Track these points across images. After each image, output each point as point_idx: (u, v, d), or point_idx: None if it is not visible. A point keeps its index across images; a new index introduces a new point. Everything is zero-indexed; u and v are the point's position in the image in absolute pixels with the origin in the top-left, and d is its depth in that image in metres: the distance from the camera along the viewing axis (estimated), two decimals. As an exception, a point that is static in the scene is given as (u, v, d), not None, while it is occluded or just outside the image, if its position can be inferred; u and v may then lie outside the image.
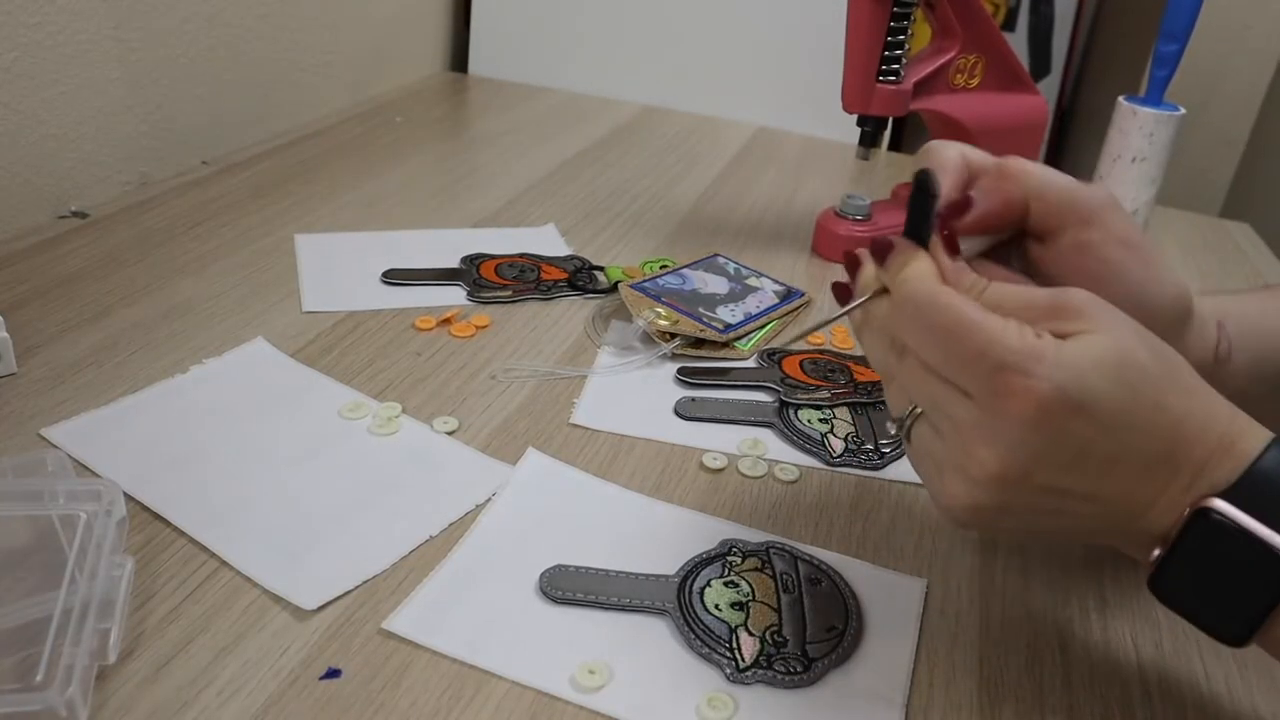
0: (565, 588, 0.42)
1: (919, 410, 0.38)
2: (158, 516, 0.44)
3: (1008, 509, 0.36)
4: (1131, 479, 0.35)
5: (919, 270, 0.38)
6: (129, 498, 0.44)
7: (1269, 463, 0.34)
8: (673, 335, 0.61)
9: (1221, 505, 0.34)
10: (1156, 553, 0.35)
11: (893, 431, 0.40)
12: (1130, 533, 0.36)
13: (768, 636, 0.40)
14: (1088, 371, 0.34)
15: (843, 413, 0.57)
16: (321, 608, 0.40)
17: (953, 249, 0.39)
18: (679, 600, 0.42)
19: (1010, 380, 0.34)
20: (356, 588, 0.41)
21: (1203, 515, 0.34)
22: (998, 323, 0.35)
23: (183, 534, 0.43)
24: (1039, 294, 0.37)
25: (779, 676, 0.39)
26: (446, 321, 0.62)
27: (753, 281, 0.71)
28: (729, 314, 0.65)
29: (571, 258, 0.73)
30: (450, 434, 0.51)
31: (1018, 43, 1.54)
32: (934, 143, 0.44)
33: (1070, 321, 0.35)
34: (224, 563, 0.42)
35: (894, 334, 0.39)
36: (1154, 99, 0.84)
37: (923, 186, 0.39)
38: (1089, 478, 0.35)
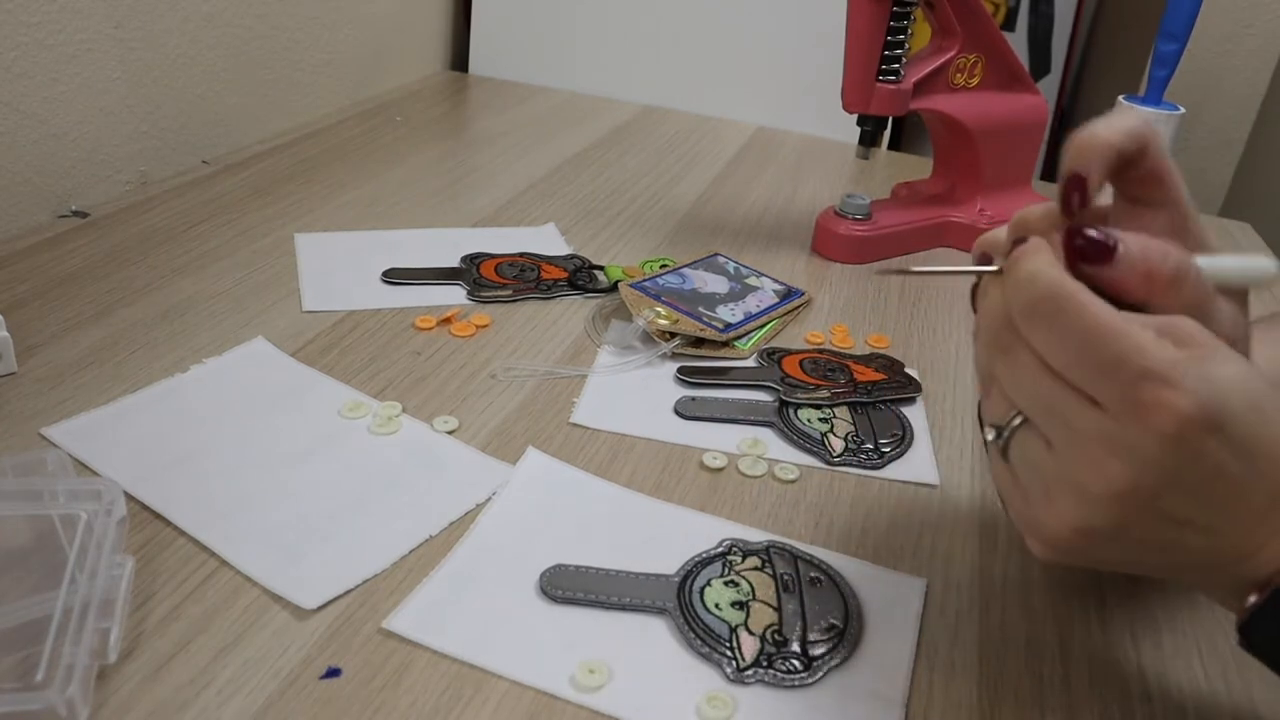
0: (565, 587, 0.42)
1: (1019, 421, 0.35)
2: (158, 516, 0.44)
3: (1120, 536, 0.33)
4: (1253, 515, 0.33)
5: (1047, 258, 0.35)
6: (129, 497, 0.44)
7: None
8: (672, 334, 0.61)
9: None
10: (1253, 599, 0.33)
11: (989, 439, 0.36)
12: (1231, 576, 0.34)
13: (768, 636, 0.40)
14: (1229, 391, 0.31)
15: (843, 412, 0.57)
16: (321, 607, 0.40)
17: (1106, 251, 0.35)
18: (679, 600, 0.42)
19: (1155, 392, 0.31)
20: (356, 587, 0.41)
21: None
22: (1136, 328, 0.32)
23: (183, 533, 0.43)
24: (1146, 319, 0.33)
25: (779, 676, 0.39)
26: (447, 321, 0.62)
27: (752, 281, 0.71)
28: (729, 313, 0.65)
29: (571, 257, 0.73)
30: (450, 433, 0.51)
31: (1018, 43, 1.54)
32: (1093, 130, 0.38)
33: (1184, 348, 0.32)
34: (224, 562, 0.42)
35: (1002, 329, 0.35)
36: (1154, 98, 0.84)
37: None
38: (1214, 508, 0.33)
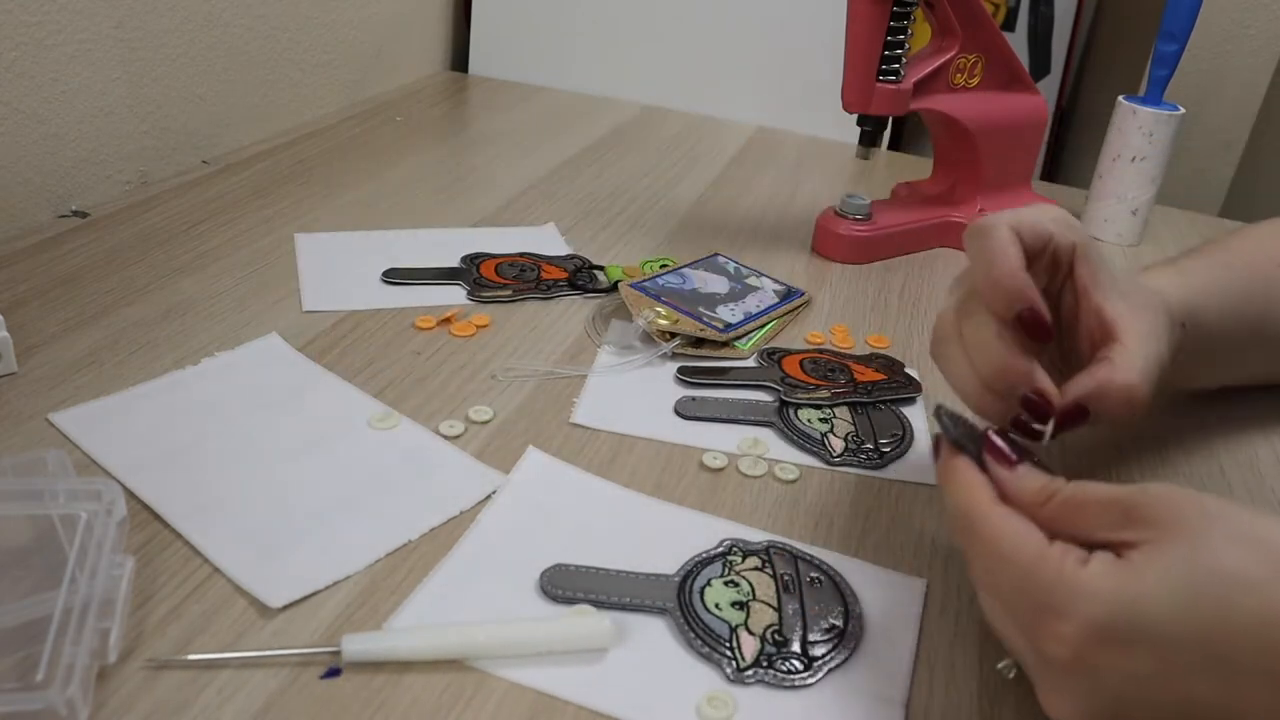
0: (566, 587, 0.42)
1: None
2: (157, 516, 0.44)
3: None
4: (1265, 692, 0.29)
5: (966, 481, 0.36)
6: (129, 491, 0.44)
7: None
8: (673, 334, 0.61)
9: None
10: None
11: (1002, 668, 0.39)
12: None
13: (768, 636, 0.40)
14: (1138, 597, 0.30)
15: (843, 412, 0.57)
16: (302, 606, 0.40)
17: (1007, 461, 0.37)
18: (679, 599, 0.42)
19: (1048, 625, 0.31)
20: (328, 586, 0.41)
21: None
22: (1032, 552, 0.33)
23: (167, 525, 0.43)
24: (1118, 495, 0.33)
25: (779, 676, 0.39)
26: (447, 321, 0.62)
27: (753, 281, 0.71)
28: (729, 313, 0.65)
29: (571, 257, 0.73)
30: (450, 434, 0.51)
31: (1018, 43, 1.54)
32: (984, 225, 0.42)
33: (1141, 530, 0.32)
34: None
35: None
36: (1154, 98, 0.84)
37: (945, 430, 0.39)
38: (1206, 699, 0.30)
